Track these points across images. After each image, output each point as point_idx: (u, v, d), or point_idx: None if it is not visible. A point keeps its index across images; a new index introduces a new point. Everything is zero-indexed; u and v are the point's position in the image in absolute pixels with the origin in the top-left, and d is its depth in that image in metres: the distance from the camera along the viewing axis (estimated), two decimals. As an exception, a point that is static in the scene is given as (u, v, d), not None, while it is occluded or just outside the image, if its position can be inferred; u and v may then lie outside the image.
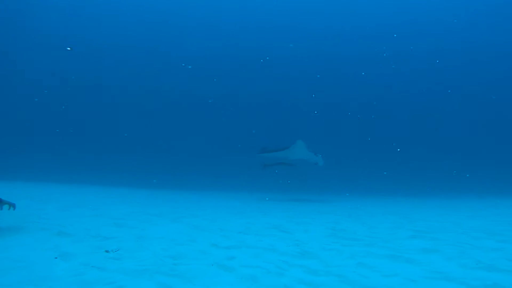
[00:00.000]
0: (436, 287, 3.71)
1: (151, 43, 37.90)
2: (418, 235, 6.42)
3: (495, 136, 34.23)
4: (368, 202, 14.32)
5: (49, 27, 35.60)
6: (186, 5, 37.13)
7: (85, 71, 36.41)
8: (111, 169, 22.37)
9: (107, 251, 4.74)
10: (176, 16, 37.46)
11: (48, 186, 15.29)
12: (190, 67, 35.65)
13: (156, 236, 5.82)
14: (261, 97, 38.09)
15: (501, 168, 27.34)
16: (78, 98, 35.42)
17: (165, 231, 6.34)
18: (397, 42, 37.32)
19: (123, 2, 36.91)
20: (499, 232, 6.73)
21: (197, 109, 37.33)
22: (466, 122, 36.46)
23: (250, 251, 5.03)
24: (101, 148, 30.78)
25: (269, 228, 7.03)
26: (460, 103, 37.02)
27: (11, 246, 4.83)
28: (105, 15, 36.90)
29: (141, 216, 8.02)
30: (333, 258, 4.78)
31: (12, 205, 5.64)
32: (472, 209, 11.40)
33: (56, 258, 4.37)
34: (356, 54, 37.82)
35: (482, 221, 8.25)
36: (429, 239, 6.05)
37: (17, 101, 33.54)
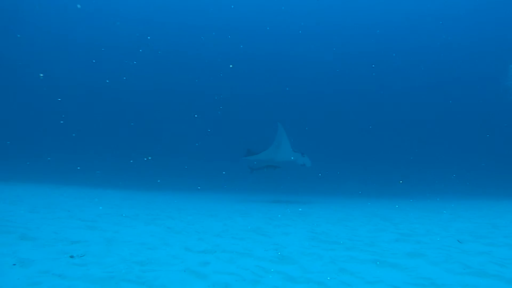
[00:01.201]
0: (423, 295, 3.48)
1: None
2: (402, 238, 6.21)
3: (473, 138, 34.68)
4: (351, 203, 14.17)
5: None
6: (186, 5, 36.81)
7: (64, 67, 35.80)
8: (87, 169, 21.82)
9: (72, 257, 4.38)
10: (181, 16, 37.09)
11: (19, 186, 14.72)
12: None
13: (127, 240, 5.47)
14: (249, 97, 37.99)
15: (479, 169, 27.64)
16: (53, 97, 34.75)
17: (138, 234, 6.00)
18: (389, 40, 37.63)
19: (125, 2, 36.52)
20: (484, 234, 6.56)
21: (176, 109, 36.95)
22: (446, 123, 36.86)
23: (225, 256, 4.73)
24: (78, 148, 30.12)
25: (247, 231, 6.74)
26: (442, 104, 37.41)
27: (-35, 252, 4.42)
28: (110, 14, 36.47)
29: (114, 217, 7.64)
30: (313, 263, 4.51)
31: None
32: (454, 210, 11.31)
33: (14, 264, 3.99)
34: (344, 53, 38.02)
35: (466, 223, 8.10)
36: (414, 242, 5.84)
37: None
